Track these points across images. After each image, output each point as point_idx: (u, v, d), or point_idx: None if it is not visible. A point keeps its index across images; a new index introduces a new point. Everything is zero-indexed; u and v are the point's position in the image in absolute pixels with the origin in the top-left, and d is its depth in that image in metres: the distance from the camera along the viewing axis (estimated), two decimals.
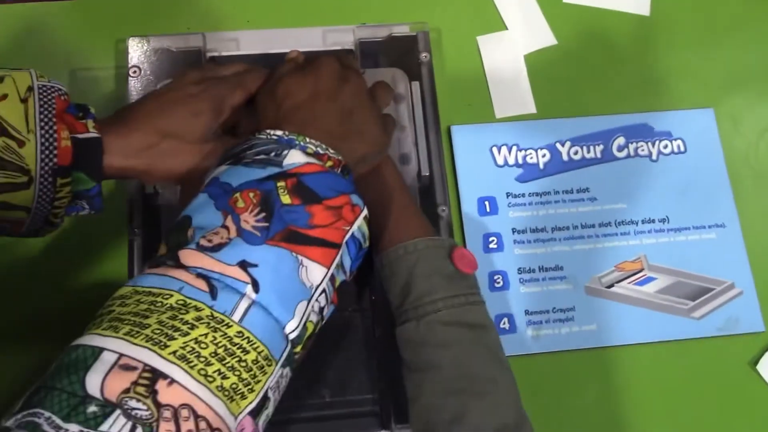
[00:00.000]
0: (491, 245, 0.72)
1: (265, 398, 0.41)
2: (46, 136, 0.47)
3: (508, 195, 0.74)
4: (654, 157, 0.76)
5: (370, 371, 0.64)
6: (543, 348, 0.69)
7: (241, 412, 0.40)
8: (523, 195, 0.74)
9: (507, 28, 0.80)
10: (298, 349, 0.44)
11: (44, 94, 0.49)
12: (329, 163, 0.49)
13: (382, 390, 0.62)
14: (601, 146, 0.76)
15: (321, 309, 0.45)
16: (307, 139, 0.49)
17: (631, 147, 0.76)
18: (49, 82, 0.50)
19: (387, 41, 0.73)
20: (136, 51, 0.69)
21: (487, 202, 0.74)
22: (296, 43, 0.73)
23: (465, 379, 0.53)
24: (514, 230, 0.73)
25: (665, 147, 0.77)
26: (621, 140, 0.76)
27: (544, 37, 0.80)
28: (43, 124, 0.47)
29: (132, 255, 0.64)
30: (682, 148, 0.77)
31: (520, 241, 0.73)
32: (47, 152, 0.47)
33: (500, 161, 0.75)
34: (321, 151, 0.49)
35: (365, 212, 0.48)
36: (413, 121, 0.70)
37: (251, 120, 0.57)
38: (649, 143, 0.76)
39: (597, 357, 0.70)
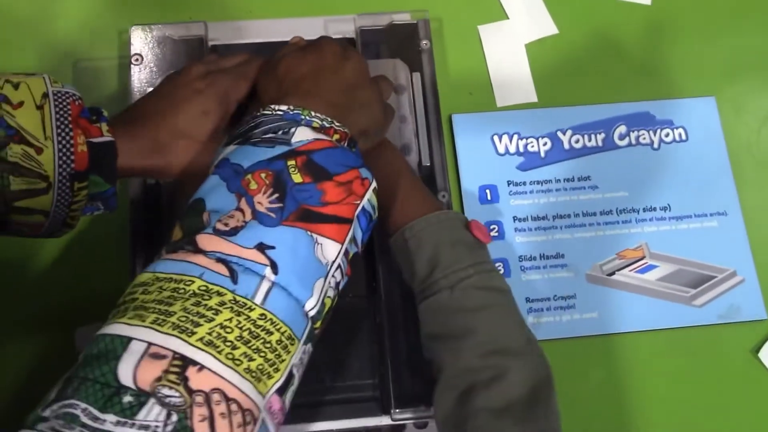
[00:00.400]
0: (492, 233, 0.72)
1: (290, 376, 0.42)
2: (63, 142, 0.48)
3: (509, 183, 0.74)
4: (656, 145, 0.76)
5: (370, 356, 0.64)
6: (544, 335, 0.69)
7: (268, 391, 0.40)
8: (524, 183, 0.74)
9: (508, 18, 0.80)
10: (318, 324, 0.44)
11: (59, 100, 0.49)
12: (336, 137, 0.49)
13: (383, 375, 0.62)
14: (603, 135, 0.76)
15: (337, 284, 0.46)
16: (312, 113, 0.49)
17: (633, 135, 0.76)
18: (63, 88, 0.50)
19: (387, 29, 0.73)
20: (139, 39, 0.69)
21: (488, 191, 0.74)
22: (298, 33, 0.73)
23: (502, 340, 0.55)
24: (515, 218, 0.73)
25: (667, 135, 0.76)
26: (622, 129, 0.76)
27: (546, 26, 0.80)
28: (59, 130, 0.48)
29: (134, 246, 0.64)
30: (683, 137, 0.77)
31: (521, 229, 0.73)
32: (65, 158, 0.48)
33: (501, 150, 0.75)
34: (327, 125, 0.49)
35: (374, 184, 0.49)
36: (414, 111, 0.70)
37: (256, 107, 0.57)
38: (651, 132, 0.76)
39: (598, 344, 0.70)
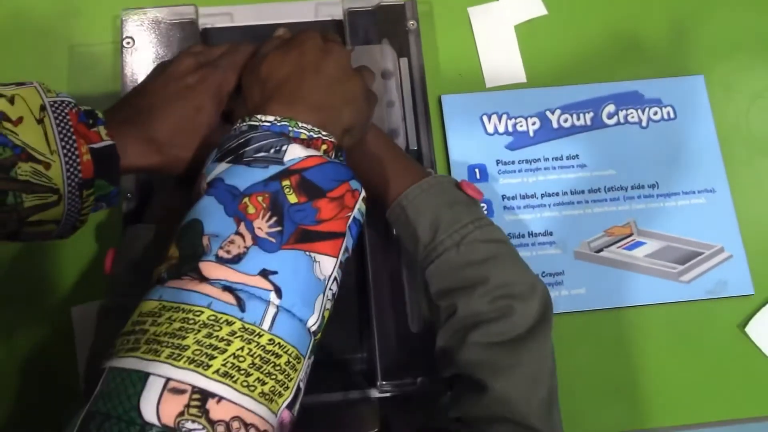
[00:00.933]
0: None
1: (298, 390, 0.44)
2: (69, 154, 0.48)
3: (498, 162, 0.75)
4: (644, 123, 0.77)
5: (358, 331, 0.66)
6: None
7: (279, 409, 0.42)
8: (513, 162, 0.75)
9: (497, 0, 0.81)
10: (318, 337, 0.46)
11: (57, 111, 0.49)
12: (324, 147, 0.50)
13: (370, 349, 0.63)
14: (591, 114, 0.77)
15: (333, 295, 0.47)
16: (300, 124, 0.50)
17: (621, 114, 0.77)
18: (58, 97, 0.50)
19: (375, 11, 0.74)
20: (130, 22, 0.71)
21: (477, 170, 0.75)
22: (289, 16, 0.75)
23: (509, 286, 0.57)
24: (504, 197, 0.74)
25: (655, 114, 0.77)
26: (611, 107, 0.77)
27: (534, 8, 0.81)
28: (63, 143, 0.48)
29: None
30: (672, 115, 0.77)
31: (509, 207, 0.74)
32: (72, 169, 0.48)
33: (490, 129, 0.76)
34: (314, 135, 0.50)
35: (363, 193, 0.50)
36: (401, 96, 0.71)
37: (242, 104, 0.57)
38: (639, 110, 0.77)
39: (586, 320, 0.71)
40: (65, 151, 0.48)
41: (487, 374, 0.54)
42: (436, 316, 0.60)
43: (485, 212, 0.72)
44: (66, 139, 0.48)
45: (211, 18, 0.74)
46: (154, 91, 0.57)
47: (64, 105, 0.49)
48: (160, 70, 0.58)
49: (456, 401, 0.55)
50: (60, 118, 0.49)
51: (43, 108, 0.48)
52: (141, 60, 0.70)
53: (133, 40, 0.70)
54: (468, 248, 0.58)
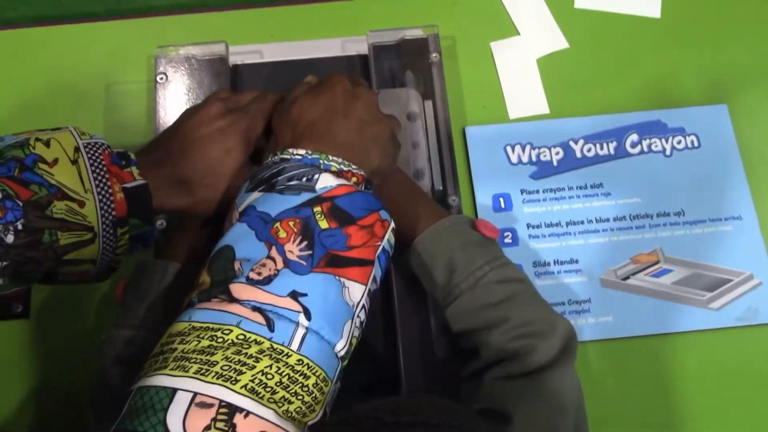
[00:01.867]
0: (506, 240, 0.73)
1: (324, 415, 0.44)
2: (103, 193, 0.50)
3: (522, 191, 0.75)
4: (668, 152, 0.77)
5: (384, 357, 0.66)
6: None
7: (304, 428, 0.42)
8: (538, 191, 0.75)
9: (519, 34, 0.82)
10: (345, 363, 0.47)
11: (91, 152, 0.50)
12: (354, 179, 0.52)
13: (396, 375, 0.63)
14: (615, 143, 0.77)
15: (362, 323, 0.48)
16: (330, 158, 0.51)
17: (645, 143, 0.77)
18: (91, 139, 0.52)
19: (399, 45, 0.76)
20: (164, 59, 0.74)
21: (501, 199, 0.75)
22: (316, 52, 0.77)
23: (529, 325, 0.57)
24: (528, 225, 0.74)
25: (679, 143, 0.77)
26: (634, 137, 0.77)
27: (557, 41, 0.82)
28: (97, 182, 0.49)
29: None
30: (695, 144, 0.77)
31: (534, 235, 0.74)
32: (106, 208, 0.50)
33: (514, 159, 0.77)
34: (345, 168, 0.51)
35: (392, 225, 0.51)
36: (426, 137, 0.73)
37: (272, 146, 0.59)
38: (663, 139, 0.77)
39: (614, 348, 0.70)
40: (99, 189, 0.49)
41: (509, 405, 0.54)
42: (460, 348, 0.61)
43: (510, 241, 0.73)
44: (99, 178, 0.49)
45: (242, 55, 0.77)
46: (184, 133, 0.58)
47: (97, 146, 0.51)
48: (190, 114, 0.60)
49: None
50: (93, 158, 0.50)
51: (77, 149, 0.50)
52: (174, 94, 0.72)
53: (167, 76, 0.73)
54: (483, 291, 0.58)
